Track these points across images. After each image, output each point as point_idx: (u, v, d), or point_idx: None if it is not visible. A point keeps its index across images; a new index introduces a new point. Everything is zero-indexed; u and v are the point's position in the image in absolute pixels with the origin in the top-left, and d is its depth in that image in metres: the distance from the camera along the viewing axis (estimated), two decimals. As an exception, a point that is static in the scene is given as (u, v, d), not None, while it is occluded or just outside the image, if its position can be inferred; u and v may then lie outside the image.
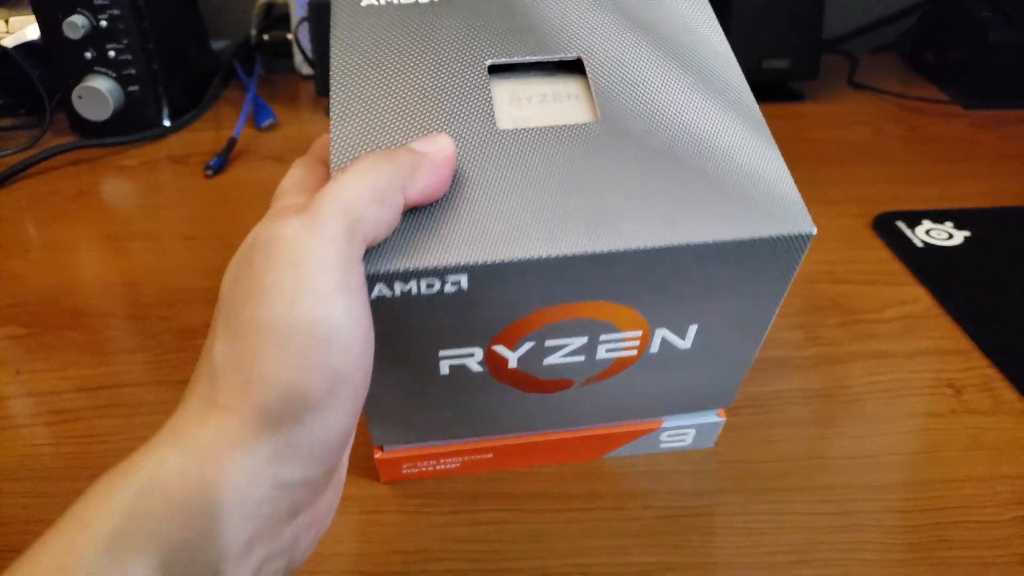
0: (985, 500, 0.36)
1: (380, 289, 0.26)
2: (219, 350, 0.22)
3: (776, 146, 0.29)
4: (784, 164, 0.28)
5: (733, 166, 0.28)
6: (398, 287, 0.26)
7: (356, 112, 0.29)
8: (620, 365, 0.32)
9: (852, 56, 0.86)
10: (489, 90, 0.30)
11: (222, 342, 0.22)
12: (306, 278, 0.21)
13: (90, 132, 0.70)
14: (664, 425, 0.36)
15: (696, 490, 0.37)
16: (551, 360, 0.31)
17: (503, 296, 0.27)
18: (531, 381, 0.32)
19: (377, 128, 0.28)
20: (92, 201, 0.61)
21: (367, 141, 0.28)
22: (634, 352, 0.31)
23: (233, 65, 0.83)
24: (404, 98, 0.29)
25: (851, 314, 0.48)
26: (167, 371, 0.44)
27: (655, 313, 0.29)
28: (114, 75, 0.69)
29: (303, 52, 0.81)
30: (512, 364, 0.31)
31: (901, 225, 0.57)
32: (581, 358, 0.31)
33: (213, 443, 0.20)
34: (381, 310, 0.26)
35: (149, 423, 0.40)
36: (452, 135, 0.28)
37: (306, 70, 0.83)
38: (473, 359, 0.30)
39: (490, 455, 0.36)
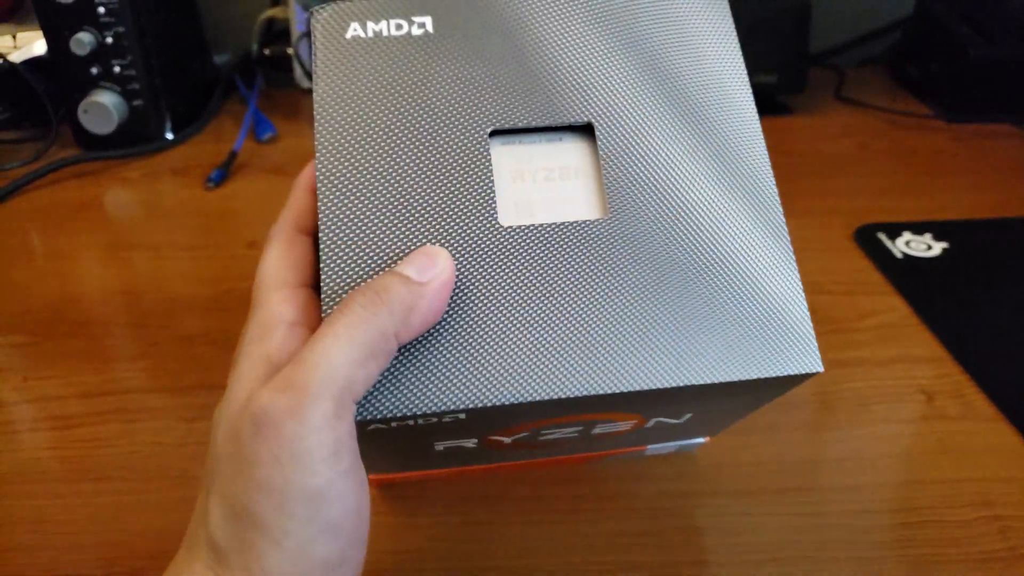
0: (952, 501, 0.37)
1: (376, 425, 0.25)
2: (217, 524, 0.22)
3: (792, 253, 0.27)
4: (798, 279, 0.27)
5: (746, 286, 0.26)
6: (394, 423, 0.25)
7: (346, 201, 0.26)
8: (613, 434, 0.32)
9: (839, 70, 0.88)
10: (490, 162, 0.27)
11: (220, 515, 0.22)
12: (293, 473, 0.21)
13: (94, 145, 0.72)
14: (648, 448, 0.38)
15: (678, 492, 0.38)
16: (546, 437, 0.31)
17: (502, 420, 0.27)
18: (524, 450, 0.33)
19: (368, 223, 0.26)
20: (96, 212, 0.63)
21: (358, 245, 0.26)
22: (628, 427, 0.31)
23: (234, 79, 0.85)
24: (398, 174, 0.27)
25: (830, 323, 0.50)
26: (168, 378, 0.46)
27: (653, 412, 0.29)
28: (119, 90, 0.70)
29: (303, 66, 0.83)
30: (507, 442, 0.31)
31: (882, 236, 0.59)
32: (575, 434, 0.31)
33: None
34: (377, 434, 0.26)
35: (150, 428, 0.42)
36: (449, 229, 0.26)
37: (306, 84, 0.84)
38: (468, 443, 0.30)
39: (477, 472, 0.38)
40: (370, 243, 0.26)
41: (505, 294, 0.25)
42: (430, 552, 0.35)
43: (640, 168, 0.28)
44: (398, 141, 0.27)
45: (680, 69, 0.29)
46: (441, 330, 0.25)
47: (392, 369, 0.24)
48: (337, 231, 0.26)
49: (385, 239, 0.26)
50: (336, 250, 0.25)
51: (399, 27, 0.29)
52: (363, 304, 0.23)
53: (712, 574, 0.34)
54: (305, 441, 0.21)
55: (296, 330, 0.24)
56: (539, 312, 0.25)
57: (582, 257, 0.26)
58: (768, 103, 0.82)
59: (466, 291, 0.25)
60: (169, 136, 0.75)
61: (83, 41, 0.66)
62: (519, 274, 0.26)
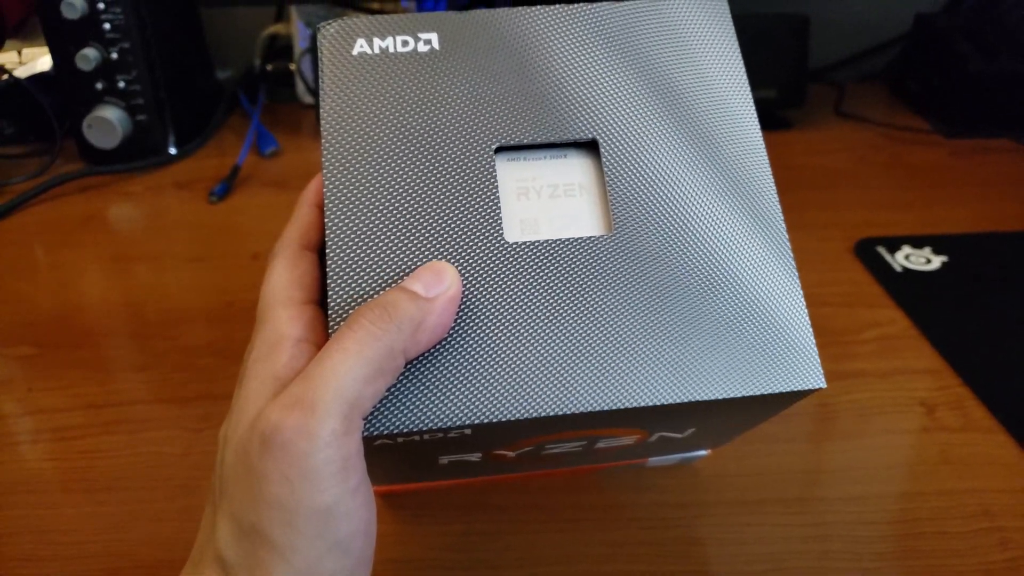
0: (952, 512, 0.37)
1: (382, 440, 0.25)
2: (226, 541, 0.22)
3: (795, 269, 0.27)
4: (801, 295, 0.27)
5: (750, 303, 0.26)
6: (400, 439, 0.25)
7: (352, 217, 0.26)
8: (616, 448, 0.33)
9: (839, 85, 0.89)
10: (495, 179, 0.27)
11: (229, 532, 0.22)
12: (302, 490, 0.21)
13: (98, 159, 0.72)
14: (650, 460, 0.38)
15: (679, 502, 0.38)
16: (550, 452, 0.31)
17: (507, 436, 0.27)
18: (528, 463, 0.33)
19: (375, 239, 0.26)
20: (100, 225, 0.64)
21: (365, 261, 0.26)
22: (632, 441, 0.31)
23: (237, 94, 0.86)
24: (405, 190, 0.27)
25: (830, 335, 0.50)
26: (171, 389, 0.46)
27: (656, 427, 0.29)
28: (123, 105, 0.71)
29: (305, 82, 0.83)
30: (511, 456, 0.31)
31: (881, 250, 0.59)
32: (579, 448, 0.31)
33: None
34: (382, 449, 0.26)
35: (153, 439, 0.42)
36: (455, 245, 0.26)
37: (308, 99, 0.85)
38: (473, 456, 0.30)
39: (480, 482, 0.38)
40: (377, 259, 0.26)
41: (510, 310, 0.26)
42: (432, 562, 0.35)
43: (645, 185, 0.28)
44: (404, 157, 0.27)
45: (684, 86, 0.29)
46: (447, 346, 0.25)
47: (398, 385, 0.24)
48: (344, 247, 0.26)
49: (391, 255, 0.26)
50: (343, 266, 0.26)
51: (405, 44, 0.29)
52: (371, 320, 0.23)
53: (714, 585, 0.34)
54: (314, 458, 0.21)
55: (303, 347, 0.24)
56: (544, 328, 0.25)
57: (587, 273, 0.26)
58: (768, 118, 0.82)
59: (472, 307, 0.25)
60: (172, 150, 0.75)
61: (89, 57, 0.67)
62: (524, 290, 0.26)
